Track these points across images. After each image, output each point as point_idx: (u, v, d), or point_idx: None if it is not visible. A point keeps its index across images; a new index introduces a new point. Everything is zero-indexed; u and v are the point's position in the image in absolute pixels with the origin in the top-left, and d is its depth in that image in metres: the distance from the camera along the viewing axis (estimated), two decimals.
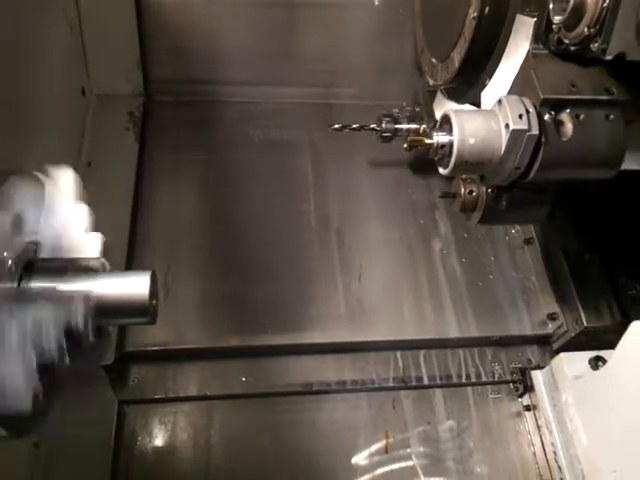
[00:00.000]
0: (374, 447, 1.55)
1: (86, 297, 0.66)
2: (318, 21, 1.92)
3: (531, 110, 0.87)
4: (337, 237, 1.78)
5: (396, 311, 1.68)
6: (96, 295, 0.67)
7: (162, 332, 1.55)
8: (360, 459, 1.53)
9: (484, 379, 1.66)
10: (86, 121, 1.84)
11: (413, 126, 1.37)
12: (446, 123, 0.91)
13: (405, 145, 0.97)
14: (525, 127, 0.85)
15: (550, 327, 1.68)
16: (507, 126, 0.86)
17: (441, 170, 0.94)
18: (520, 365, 1.67)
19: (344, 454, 1.53)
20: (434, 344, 1.67)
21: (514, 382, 1.66)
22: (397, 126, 1.38)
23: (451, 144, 0.89)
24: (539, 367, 1.64)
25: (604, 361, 1.37)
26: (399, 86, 1.96)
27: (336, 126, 1.56)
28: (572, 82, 0.89)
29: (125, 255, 1.63)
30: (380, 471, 1.52)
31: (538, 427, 1.61)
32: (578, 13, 0.79)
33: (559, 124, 0.89)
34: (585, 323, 1.29)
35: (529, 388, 1.64)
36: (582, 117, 0.89)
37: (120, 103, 1.92)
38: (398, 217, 1.84)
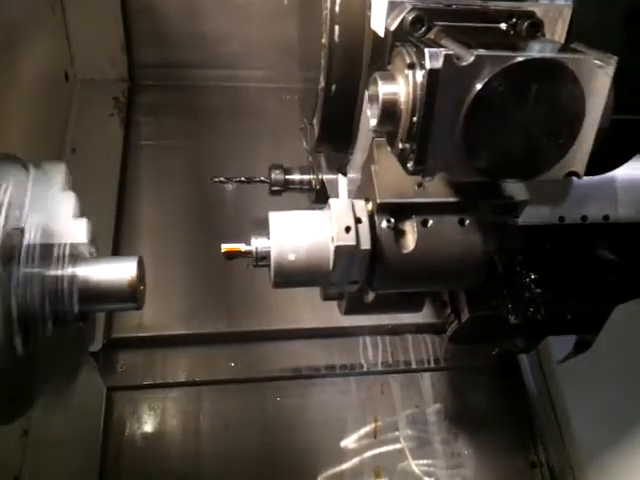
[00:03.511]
0: (363, 430, 1.56)
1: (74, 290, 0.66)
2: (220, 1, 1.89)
3: (364, 219, 0.71)
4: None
5: (290, 300, 1.63)
6: (82, 280, 0.67)
7: (150, 318, 1.55)
8: (349, 442, 1.54)
9: (470, 362, 1.67)
10: (70, 106, 1.82)
11: (306, 177, 1.18)
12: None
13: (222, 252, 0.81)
14: (352, 243, 0.69)
15: (443, 315, 1.66)
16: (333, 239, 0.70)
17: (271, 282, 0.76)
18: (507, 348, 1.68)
19: (333, 438, 1.54)
20: (324, 333, 1.64)
21: (501, 365, 1.67)
22: (288, 177, 1.20)
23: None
24: (526, 350, 1.66)
25: (589, 344, 1.38)
26: None
27: (222, 179, 1.39)
28: (420, 181, 0.72)
29: (111, 241, 1.62)
30: (369, 454, 1.54)
31: (525, 409, 1.63)
32: (390, 123, 0.62)
33: (400, 234, 0.73)
34: (469, 312, 1.25)
35: (516, 371, 1.65)
36: (430, 223, 0.72)
37: (104, 88, 1.89)
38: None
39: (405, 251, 0.73)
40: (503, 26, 0.66)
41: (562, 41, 0.67)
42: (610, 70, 0.56)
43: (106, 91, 1.89)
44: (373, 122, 0.63)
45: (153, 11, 1.85)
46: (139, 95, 1.94)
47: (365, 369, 1.62)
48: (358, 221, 0.71)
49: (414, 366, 1.64)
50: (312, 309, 1.64)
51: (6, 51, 1.39)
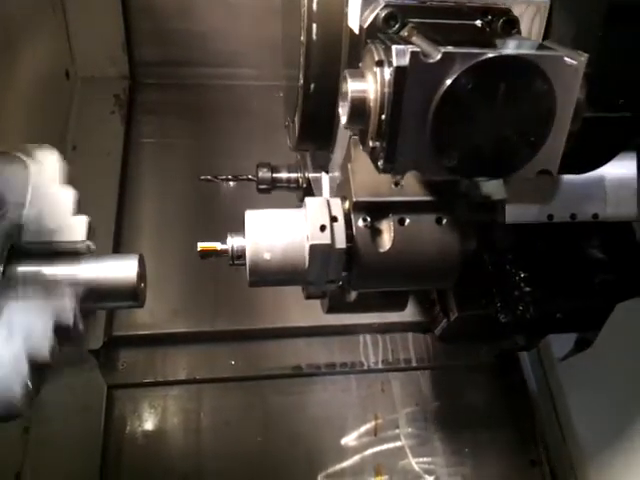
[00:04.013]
0: (363, 428, 1.56)
1: (75, 290, 0.65)
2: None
3: (339, 218, 0.70)
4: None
5: (290, 298, 1.58)
6: (83, 279, 0.66)
7: (150, 316, 1.55)
8: (350, 440, 1.54)
9: (470, 360, 1.66)
10: (71, 104, 1.82)
11: (293, 175, 1.17)
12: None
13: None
14: (327, 242, 0.68)
15: (432, 314, 1.64)
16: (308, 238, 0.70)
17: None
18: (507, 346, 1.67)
19: (334, 436, 1.54)
20: (325, 331, 1.63)
21: (501, 363, 1.65)
22: (275, 175, 1.19)
23: None
24: (526, 348, 1.64)
25: (590, 343, 1.36)
26: None
27: (207, 177, 1.39)
28: (396, 180, 0.71)
29: (112, 239, 1.62)
30: (369, 452, 1.53)
31: (525, 407, 1.61)
32: (360, 120, 0.60)
33: (376, 232, 0.72)
34: (458, 311, 1.22)
35: (516, 369, 1.64)
36: (407, 222, 0.71)
37: (105, 86, 1.90)
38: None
39: (382, 250, 0.71)
40: (478, 23, 0.64)
41: (539, 39, 0.65)
42: (581, 67, 0.54)
43: (107, 89, 1.89)
44: (343, 120, 0.62)
45: (153, 10, 1.85)
46: (140, 93, 1.94)
47: (365, 367, 1.61)
48: (334, 220, 0.69)
49: (414, 364, 1.63)
50: (312, 307, 1.62)
51: (7, 50, 1.40)
